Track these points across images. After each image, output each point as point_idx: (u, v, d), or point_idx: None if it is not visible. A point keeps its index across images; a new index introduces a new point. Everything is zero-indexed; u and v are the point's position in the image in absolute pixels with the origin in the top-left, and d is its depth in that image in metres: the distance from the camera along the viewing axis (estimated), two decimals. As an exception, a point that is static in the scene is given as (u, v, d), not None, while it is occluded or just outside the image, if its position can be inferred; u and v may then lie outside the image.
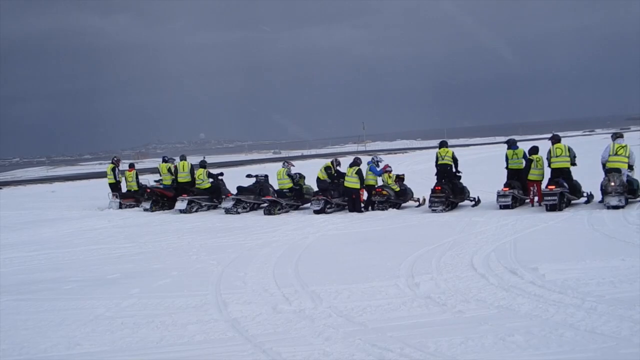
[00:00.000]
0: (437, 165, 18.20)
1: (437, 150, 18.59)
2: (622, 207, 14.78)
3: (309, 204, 19.40)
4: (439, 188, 17.24)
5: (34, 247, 15.16)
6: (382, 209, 18.11)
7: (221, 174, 22.38)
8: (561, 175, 15.90)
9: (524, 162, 17.28)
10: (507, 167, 17.68)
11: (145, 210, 21.90)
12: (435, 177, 18.13)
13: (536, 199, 16.63)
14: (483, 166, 31.48)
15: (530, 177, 16.90)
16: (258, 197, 20.22)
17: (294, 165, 21.04)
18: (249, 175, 21.39)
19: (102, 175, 47.44)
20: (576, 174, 16.44)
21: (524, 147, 18.34)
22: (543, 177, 16.74)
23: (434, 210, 16.95)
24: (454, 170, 18.01)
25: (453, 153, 18.33)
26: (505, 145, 18.29)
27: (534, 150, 17.25)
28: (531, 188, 16.88)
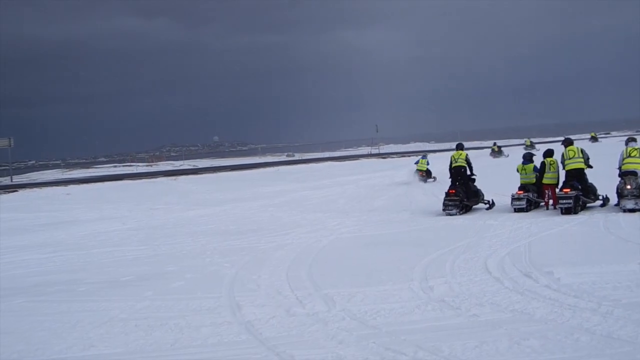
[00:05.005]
0: (451, 168, 18.21)
1: (452, 153, 18.62)
2: (639, 210, 14.64)
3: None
4: (454, 191, 17.28)
5: (49, 249, 15.28)
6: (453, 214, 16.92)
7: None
8: (576, 177, 15.79)
9: (534, 178, 17.17)
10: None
11: None
12: (450, 179, 18.14)
13: (551, 202, 16.53)
14: (498, 169, 31.36)
15: (544, 180, 16.83)
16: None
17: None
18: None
19: (117, 177, 47.73)
20: (592, 176, 16.32)
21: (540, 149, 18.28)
22: (558, 181, 16.66)
23: (448, 214, 16.88)
24: (468, 172, 17.99)
25: (467, 155, 18.32)
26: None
27: (549, 153, 17.18)
28: (546, 191, 16.81)
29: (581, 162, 16.03)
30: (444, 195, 17.60)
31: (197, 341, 7.10)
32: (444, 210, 17.13)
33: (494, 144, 55.22)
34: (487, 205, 17.72)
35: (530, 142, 58.23)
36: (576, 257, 10.23)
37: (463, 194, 17.30)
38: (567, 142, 16.69)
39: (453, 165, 18.07)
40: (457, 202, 17.06)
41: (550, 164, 16.86)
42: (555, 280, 8.66)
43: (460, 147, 18.65)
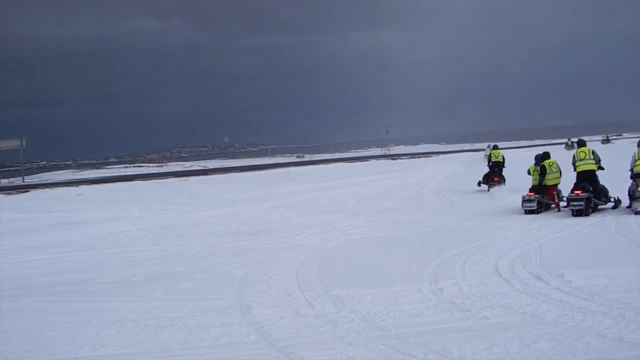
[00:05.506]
0: (490, 162, 25.10)
1: (490, 151, 26.45)
2: (651, 212, 14.53)
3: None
4: (497, 179, 23.88)
5: (60, 249, 15.35)
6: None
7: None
8: (587, 179, 15.72)
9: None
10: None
11: None
12: (489, 169, 24.84)
13: (562, 204, 16.49)
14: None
15: (548, 182, 17.01)
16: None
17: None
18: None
19: (128, 178, 47.85)
20: (604, 178, 16.23)
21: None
22: (559, 180, 17.17)
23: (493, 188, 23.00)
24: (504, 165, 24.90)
25: (502, 154, 25.68)
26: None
27: (546, 156, 17.55)
28: (554, 192, 16.84)
29: (592, 163, 15.98)
30: (454, 197, 17.72)
31: (207, 342, 7.11)
32: (484, 186, 23.91)
33: (569, 139, 60.40)
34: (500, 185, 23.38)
35: (607, 137, 59.70)
36: (587, 259, 10.18)
37: (502, 180, 23.91)
38: (580, 144, 16.71)
39: (493, 160, 25.08)
40: (498, 183, 23.50)
41: (550, 165, 17.30)
42: (566, 282, 8.61)
43: (496, 147, 26.96)
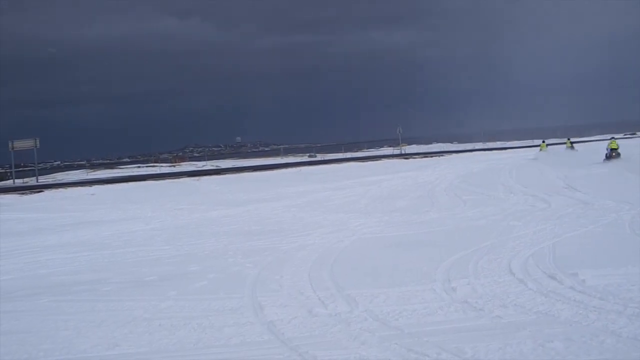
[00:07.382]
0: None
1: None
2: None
3: None
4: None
5: (74, 249, 15.45)
6: None
7: None
8: None
9: None
10: None
11: None
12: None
13: None
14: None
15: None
16: None
17: None
18: None
19: (141, 178, 47.95)
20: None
21: None
22: None
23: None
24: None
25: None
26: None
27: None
28: None
29: None
30: (467, 196, 17.66)
31: (220, 341, 7.14)
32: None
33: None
34: None
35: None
36: (601, 258, 10.12)
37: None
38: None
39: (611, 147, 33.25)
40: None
41: None
42: (580, 281, 8.57)
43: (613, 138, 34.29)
